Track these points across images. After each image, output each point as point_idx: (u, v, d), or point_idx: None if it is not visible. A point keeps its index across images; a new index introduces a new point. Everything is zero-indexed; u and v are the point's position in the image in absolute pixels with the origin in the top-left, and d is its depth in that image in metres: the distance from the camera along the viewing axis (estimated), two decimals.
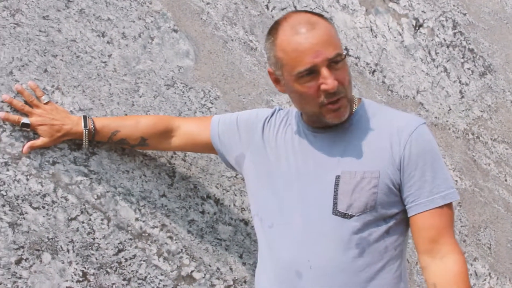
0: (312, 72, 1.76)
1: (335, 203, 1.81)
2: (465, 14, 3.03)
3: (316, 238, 1.82)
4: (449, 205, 1.84)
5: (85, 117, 2.10)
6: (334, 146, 1.87)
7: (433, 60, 2.91)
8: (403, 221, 1.88)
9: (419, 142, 1.83)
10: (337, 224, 1.81)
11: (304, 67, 1.76)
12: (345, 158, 1.84)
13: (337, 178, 1.82)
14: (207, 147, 2.12)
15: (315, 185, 1.85)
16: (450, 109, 2.92)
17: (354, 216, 1.81)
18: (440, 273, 1.81)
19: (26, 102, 2.08)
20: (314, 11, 1.85)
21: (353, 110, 1.90)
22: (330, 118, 1.82)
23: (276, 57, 1.82)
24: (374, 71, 2.75)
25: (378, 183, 1.81)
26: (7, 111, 2.06)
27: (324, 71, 1.75)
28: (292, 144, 1.92)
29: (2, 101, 2.07)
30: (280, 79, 1.85)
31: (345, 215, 1.81)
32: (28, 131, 2.08)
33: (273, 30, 1.84)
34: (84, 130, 2.08)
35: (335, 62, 1.77)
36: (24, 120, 2.06)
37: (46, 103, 2.09)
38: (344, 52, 1.80)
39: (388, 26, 2.82)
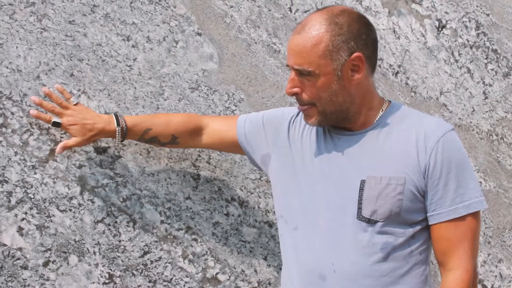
0: (290, 69, 1.83)
1: (359, 208, 1.81)
2: (488, 15, 3.02)
3: (340, 242, 1.82)
4: (473, 215, 1.82)
5: (116, 116, 2.09)
6: (360, 149, 1.85)
7: (457, 61, 2.90)
8: (429, 227, 1.87)
9: (445, 149, 1.80)
10: (362, 229, 1.80)
11: (286, 62, 1.85)
12: (371, 162, 1.82)
13: (362, 182, 1.81)
14: (234, 146, 2.13)
15: (340, 188, 1.84)
16: (474, 110, 2.91)
17: (379, 222, 1.80)
18: (444, 286, 1.83)
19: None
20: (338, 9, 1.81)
21: (380, 114, 1.89)
22: (303, 117, 1.89)
23: None
24: (397, 72, 2.75)
25: (403, 189, 1.79)
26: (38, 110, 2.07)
27: (290, 75, 1.82)
28: (318, 145, 1.92)
29: (31, 105, 2.10)
30: None
31: (369, 221, 1.80)
32: (59, 130, 2.09)
33: None
34: (117, 129, 2.06)
35: (305, 74, 1.79)
36: (55, 119, 2.04)
37: (75, 104, 2.09)
38: (312, 69, 1.76)
39: (411, 28, 2.81)
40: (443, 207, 1.81)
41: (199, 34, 2.40)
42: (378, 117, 1.88)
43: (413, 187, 1.80)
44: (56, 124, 2.05)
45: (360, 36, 1.80)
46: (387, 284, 1.81)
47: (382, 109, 1.89)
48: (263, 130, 2.06)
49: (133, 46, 2.28)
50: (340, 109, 1.83)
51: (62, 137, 2.12)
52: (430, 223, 1.84)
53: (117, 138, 2.08)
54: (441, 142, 1.80)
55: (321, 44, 1.77)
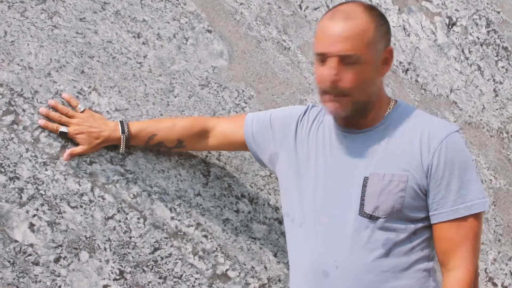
0: (324, 58, 1.78)
1: (361, 205, 1.82)
2: (498, 12, 3.01)
3: (342, 238, 1.83)
4: (475, 216, 1.82)
5: (122, 123, 2.12)
6: (365, 147, 1.86)
7: (467, 58, 2.89)
8: (431, 225, 1.88)
9: (448, 150, 1.81)
10: (364, 225, 1.81)
11: (318, 50, 1.79)
12: (375, 160, 1.84)
13: (365, 179, 1.83)
14: (242, 146, 2.14)
15: (343, 185, 1.85)
16: (484, 108, 2.90)
17: (381, 218, 1.81)
18: (445, 285, 1.83)
19: None
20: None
21: (387, 112, 1.90)
22: (328, 107, 1.83)
23: (315, 33, 1.86)
24: (407, 70, 2.75)
25: (405, 187, 1.80)
26: (46, 120, 2.10)
27: (329, 63, 1.77)
28: (323, 143, 1.93)
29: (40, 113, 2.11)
30: None
31: (371, 217, 1.81)
32: (67, 139, 2.12)
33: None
34: (122, 136, 2.11)
35: (350, 62, 1.76)
36: (62, 129, 2.10)
37: (82, 111, 2.13)
38: (361, 55, 1.75)
39: (421, 25, 2.81)
40: (444, 207, 1.82)
41: (209, 31, 2.40)
42: (385, 115, 1.89)
43: (415, 185, 1.81)
44: (63, 134, 2.10)
45: (389, 32, 1.86)
46: (389, 279, 1.82)
47: (389, 108, 1.90)
48: (271, 129, 2.06)
49: (143, 43, 2.29)
50: (368, 100, 1.84)
51: (69, 139, 2.13)
52: (432, 222, 1.84)
53: (121, 145, 2.13)
54: (445, 143, 1.81)
55: (368, 33, 1.77)
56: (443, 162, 1.80)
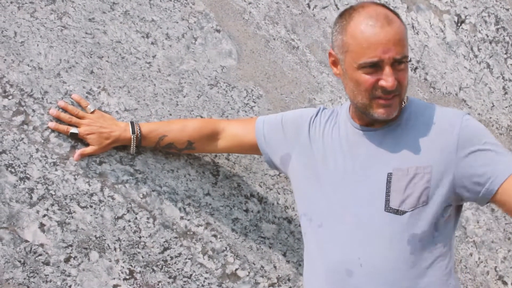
0: (376, 65, 1.77)
1: (387, 200, 1.81)
2: (507, 9, 3.00)
3: (367, 235, 1.82)
4: None
5: (132, 123, 2.14)
6: (384, 143, 1.86)
7: (476, 56, 2.88)
8: (453, 218, 1.88)
9: (471, 127, 1.82)
10: (389, 221, 1.81)
11: (371, 60, 1.76)
12: (396, 155, 1.84)
13: (389, 175, 1.82)
14: (252, 148, 2.14)
15: (366, 183, 1.85)
16: (493, 106, 2.89)
17: (407, 212, 1.80)
18: None
19: None
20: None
21: (402, 108, 1.90)
22: (379, 113, 1.82)
23: (344, 41, 1.81)
24: (416, 68, 2.74)
25: (431, 177, 1.80)
26: (56, 121, 2.11)
27: (387, 69, 1.76)
28: (340, 142, 1.93)
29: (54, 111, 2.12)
30: (340, 63, 1.85)
31: (397, 212, 1.80)
32: (77, 140, 2.13)
33: (347, 14, 1.83)
34: (132, 136, 2.12)
35: (399, 63, 1.78)
36: (73, 130, 2.11)
37: (92, 112, 2.14)
38: (409, 55, 1.80)
39: (430, 23, 2.80)
40: (498, 167, 1.78)
41: (218, 31, 2.41)
42: (401, 112, 1.89)
43: (440, 174, 1.80)
44: (74, 135, 2.11)
45: None
46: (413, 277, 1.81)
47: (403, 104, 1.90)
48: (282, 131, 2.07)
49: (152, 43, 2.29)
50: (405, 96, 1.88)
51: (79, 139, 2.13)
52: (493, 190, 1.79)
53: (132, 145, 2.14)
54: (465, 122, 1.82)
55: (406, 31, 1.82)
56: (471, 139, 1.80)
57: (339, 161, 1.90)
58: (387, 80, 1.76)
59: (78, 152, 2.12)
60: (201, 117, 2.33)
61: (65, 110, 2.12)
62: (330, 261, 1.86)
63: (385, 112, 1.82)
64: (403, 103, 1.90)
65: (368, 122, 1.89)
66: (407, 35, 1.82)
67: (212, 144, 2.19)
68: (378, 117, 1.83)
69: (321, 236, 1.90)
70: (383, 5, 1.84)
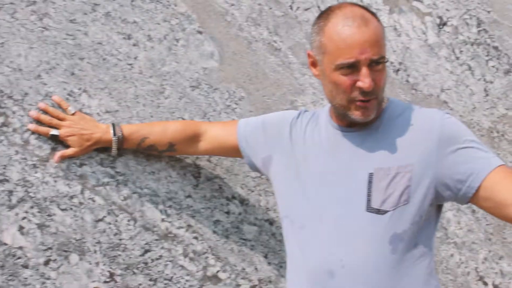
0: (353, 66, 1.77)
1: (368, 200, 1.81)
2: (489, 12, 3.01)
3: (349, 236, 1.82)
4: (505, 165, 1.81)
5: (113, 125, 2.13)
6: (365, 143, 1.87)
7: (457, 58, 2.90)
8: (434, 218, 1.88)
9: (451, 123, 1.83)
10: (371, 221, 1.81)
11: (347, 61, 1.76)
12: (377, 154, 1.84)
13: (370, 175, 1.82)
14: (234, 151, 2.14)
15: (347, 183, 1.85)
16: (475, 107, 2.91)
17: (388, 211, 1.80)
18: None
19: None
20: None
21: (382, 109, 1.90)
22: (356, 115, 1.82)
23: (321, 42, 1.81)
24: (398, 70, 2.75)
25: (412, 176, 1.80)
26: (36, 123, 2.10)
27: (364, 70, 1.76)
28: (321, 144, 1.93)
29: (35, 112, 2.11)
30: (319, 64, 1.86)
31: (379, 211, 1.81)
32: (57, 142, 2.12)
33: (325, 15, 1.83)
34: (113, 139, 2.12)
35: (377, 63, 1.78)
36: (53, 131, 2.10)
37: (73, 114, 2.13)
38: (386, 56, 1.80)
39: (412, 25, 2.81)
40: (479, 162, 1.79)
41: (200, 33, 2.40)
42: (381, 112, 1.90)
43: (421, 173, 1.81)
44: (54, 137, 2.10)
45: None
46: (394, 277, 1.81)
47: (383, 105, 1.90)
48: (263, 133, 2.07)
49: (134, 45, 2.28)
50: (383, 97, 1.87)
51: (60, 141, 2.12)
52: (477, 184, 1.79)
53: (113, 147, 2.13)
54: (445, 120, 1.83)
55: (383, 31, 1.82)
56: (452, 136, 1.81)
57: (320, 162, 1.91)
58: (364, 81, 1.76)
59: (58, 154, 2.11)
60: (183, 119, 2.32)
61: (45, 112, 2.11)
62: (312, 263, 1.87)
63: (362, 114, 1.82)
64: (383, 103, 1.91)
65: (348, 123, 1.90)
66: (385, 36, 1.83)
67: (194, 146, 2.19)
68: (356, 119, 1.83)
69: (303, 238, 1.90)
70: (361, 6, 1.84)
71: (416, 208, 1.82)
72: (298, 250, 1.91)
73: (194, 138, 2.17)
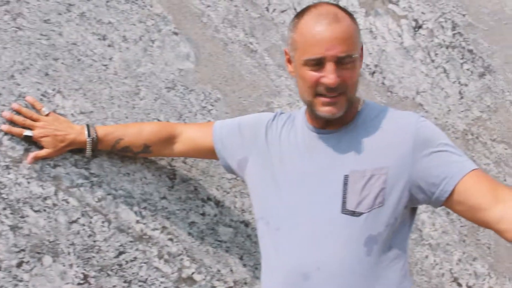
0: (320, 62, 1.79)
1: (344, 202, 1.82)
2: (464, 15, 3.04)
3: (324, 238, 1.82)
4: (479, 169, 1.83)
5: (88, 126, 2.11)
6: (340, 145, 1.87)
7: (433, 61, 2.92)
8: (408, 221, 1.89)
9: (426, 127, 1.85)
10: (346, 223, 1.81)
11: (314, 56, 1.78)
12: (353, 157, 1.85)
13: (346, 177, 1.83)
14: (209, 152, 2.14)
15: (322, 185, 1.85)
16: (450, 110, 2.93)
17: (363, 213, 1.81)
18: None
19: None
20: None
21: (357, 111, 1.91)
22: (322, 111, 1.83)
23: (293, 39, 1.84)
24: (374, 72, 2.76)
25: (387, 178, 1.81)
26: (9, 124, 2.08)
27: (329, 66, 1.78)
28: (296, 145, 1.93)
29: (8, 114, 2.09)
30: (292, 60, 1.88)
31: (354, 213, 1.81)
32: (31, 143, 2.10)
33: (301, 13, 1.86)
34: (87, 140, 2.10)
35: (345, 61, 1.79)
36: (27, 132, 2.08)
37: (47, 115, 2.11)
38: (356, 55, 1.81)
39: (388, 28, 2.82)
40: (453, 166, 1.81)
41: (176, 34, 2.39)
42: (356, 113, 1.91)
43: (396, 175, 1.82)
44: (28, 138, 2.08)
45: None
46: (369, 279, 1.82)
47: (359, 106, 1.92)
48: (239, 135, 2.06)
49: (109, 46, 2.27)
50: (355, 97, 1.88)
51: (33, 142, 2.10)
52: (450, 188, 1.80)
53: (87, 149, 2.12)
54: (419, 124, 1.85)
55: (356, 31, 1.83)
56: (427, 139, 1.82)
57: (296, 164, 1.91)
58: (328, 77, 1.78)
59: (31, 155, 2.09)
60: (158, 120, 2.31)
61: (19, 112, 2.09)
62: (287, 265, 1.86)
63: (329, 110, 1.83)
64: (358, 105, 1.91)
65: (323, 124, 1.90)
66: (358, 36, 1.84)
67: (169, 147, 2.18)
68: (322, 115, 1.84)
69: (278, 240, 1.90)
70: (336, 5, 1.86)
71: (391, 210, 1.83)
72: (273, 252, 1.91)
73: (169, 139, 2.16)
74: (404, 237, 1.89)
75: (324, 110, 1.83)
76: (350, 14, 1.84)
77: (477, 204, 1.79)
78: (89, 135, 2.10)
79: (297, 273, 1.84)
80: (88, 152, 2.13)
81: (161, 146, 2.17)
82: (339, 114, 1.84)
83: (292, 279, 1.85)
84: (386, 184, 1.82)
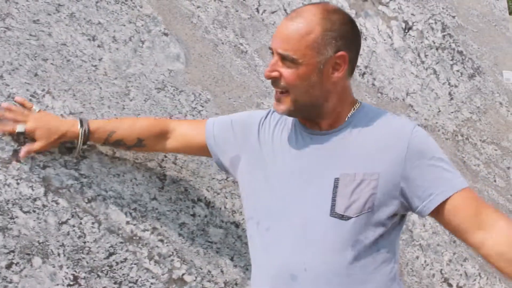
0: (273, 54, 1.83)
1: (333, 205, 1.81)
2: (454, 17, 3.05)
3: (312, 240, 1.82)
4: (468, 190, 1.83)
5: (81, 119, 2.10)
6: (332, 148, 1.87)
7: (423, 62, 2.93)
8: (398, 225, 1.89)
9: (420, 139, 1.84)
10: (334, 226, 1.81)
11: (270, 45, 1.84)
12: (344, 160, 1.84)
13: (336, 180, 1.82)
14: (201, 149, 2.13)
15: (313, 187, 1.85)
16: (440, 111, 2.94)
17: (352, 217, 1.81)
18: (501, 240, 1.77)
19: None
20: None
21: (351, 112, 1.90)
22: (273, 104, 1.89)
23: None
24: (364, 73, 2.77)
25: (377, 184, 1.81)
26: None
27: (273, 59, 1.82)
28: (289, 145, 1.92)
29: None
30: None
31: (342, 217, 1.81)
32: (24, 138, 2.09)
33: None
34: (80, 130, 2.08)
35: (287, 60, 1.79)
36: (19, 128, 2.06)
37: (38, 112, 2.10)
38: (296, 57, 1.78)
39: (378, 29, 2.83)
40: (441, 185, 1.81)
41: (166, 34, 2.39)
42: (349, 116, 1.90)
43: (387, 182, 1.81)
44: (21, 133, 2.06)
45: (348, 37, 1.83)
46: (357, 282, 1.82)
47: (354, 108, 1.91)
48: (232, 132, 2.06)
49: (98, 46, 2.27)
50: (314, 103, 1.84)
51: (26, 139, 2.09)
52: (434, 205, 1.81)
53: (79, 140, 2.09)
54: (415, 133, 1.84)
55: (311, 35, 1.78)
56: (419, 151, 1.82)
57: (287, 164, 1.90)
58: (266, 68, 1.83)
59: (24, 148, 2.06)
60: None
61: (9, 110, 2.07)
62: (276, 265, 1.86)
63: (274, 105, 1.88)
64: (353, 107, 1.90)
65: (313, 125, 1.90)
66: (309, 40, 1.77)
67: (162, 143, 2.17)
68: (274, 109, 1.89)
69: (267, 240, 1.90)
70: (323, 6, 1.82)
71: (380, 216, 1.83)
72: (262, 252, 1.91)
73: (162, 135, 2.16)
74: (393, 241, 1.89)
75: (273, 104, 1.89)
76: (325, 18, 1.79)
77: (459, 227, 1.82)
78: (81, 126, 2.08)
79: (285, 273, 1.84)
80: (80, 144, 2.10)
81: (154, 140, 2.16)
82: (283, 111, 1.86)
83: (280, 279, 1.85)
84: (376, 190, 1.81)
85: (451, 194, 1.81)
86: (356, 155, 1.84)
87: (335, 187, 1.82)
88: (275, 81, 1.83)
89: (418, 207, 1.83)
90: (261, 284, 1.91)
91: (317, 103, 1.84)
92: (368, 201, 1.81)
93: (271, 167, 1.93)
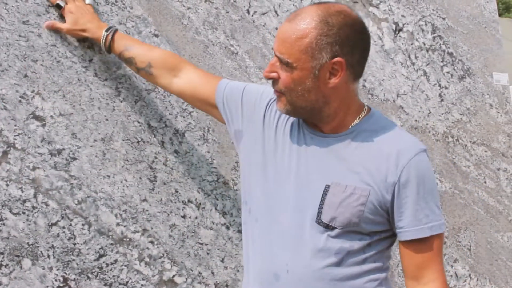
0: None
1: (319, 213, 1.80)
2: (444, 19, 3.06)
3: (296, 243, 1.81)
4: (437, 235, 1.83)
5: (109, 26, 2.20)
6: (330, 153, 1.83)
7: (413, 64, 2.93)
8: (387, 238, 1.87)
9: (417, 169, 1.79)
10: (318, 233, 1.80)
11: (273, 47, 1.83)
12: (339, 168, 1.81)
13: (327, 187, 1.80)
14: (205, 103, 2.09)
15: (304, 189, 1.83)
16: (430, 112, 2.95)
17: (337, 228, 1.80)
18: None
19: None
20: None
21: (356, 120, 1.86)
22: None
23: None
24: None
25: (366, 201, 1.78)
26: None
27: (272, 59, 1.81)
28: (291, 140, 1.89)
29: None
30: None
31: (327, 226, 1.80)
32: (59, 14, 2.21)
33: None
34: (103, 34, 2.18)
35: (282, 62, 1.78)
36: (59, 1, 2.20)
37: (86, 4, 2.25)
38: (289, 61, 1.75)
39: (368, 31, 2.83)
40: (411, 225, 1.81)
41: (156, 36, 2.39)
42: (354, 123, 1.85)
43: (376, 200, 1.79)
44: (59, 6, 2.21)
45: (347, 42, 1.75)
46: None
47: (360, 116, 1.86)
48: (240, 104, 2.01)
49: (88, 47, 2.26)
50: (312, 107, 1.80)
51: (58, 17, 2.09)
52: (399, 239, 1.85)
53: (102, 42, 2.20)
54: (413, 161, 1.79)
55: (305, 39, 1.74)
56: (411, 180, 1.79)
57: (286, 160, 1.88)
58: (266, 68, 1.83)
59: (50, 22, 2.19)
60: (139, 122, 2.30)
61: None
62: (260, 262, 1.87)
63: (275, 103, 1.88)
64: (359, 114, 1.86)
65: (314, 125, 1.87)
66: (303, 44, 1.74)
67: (168, 78, 2.13)
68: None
69: (256, 231, 1.89)
70: (322, 8, 1.77)
71: (366, 230, 1.82)
72: (251, 243, 1.92)
73: (173, 70, 2.12)
74: (382, 252, 1.88)
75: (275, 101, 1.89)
76: (323, 21, 1.74)
77: (403, 266, 1.87)
78: (107, 30, 2.18)
79: (269, 272, 1.84)
80: (102, 45, 2.20)
81: (162, 71, 2.13)
82: (281, 110, 1.84)
83: (264, 276, 1.86)
84: (365, 206, 1.79)
85: (415, 238, 1.82)
86: (351, 167, 1.81)
87: (324, 194, 1.80)
88: (274, 81, 1.81)
89: (396, 230, 1.85)
90: (247, 275, 1.93)
91: (316, 107, 1.81)
92: (354, 216, 1.79)
93: (270, 158, 1.90)
